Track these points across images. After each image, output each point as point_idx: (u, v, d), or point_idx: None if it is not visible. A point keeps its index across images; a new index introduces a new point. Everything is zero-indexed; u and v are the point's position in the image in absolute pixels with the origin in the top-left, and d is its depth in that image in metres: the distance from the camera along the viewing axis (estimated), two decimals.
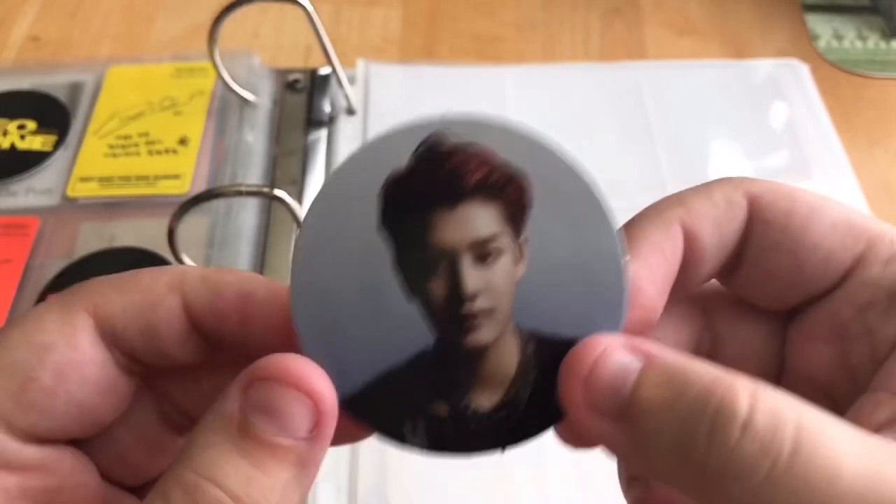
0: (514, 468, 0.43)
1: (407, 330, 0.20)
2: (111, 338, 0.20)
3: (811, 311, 0.22)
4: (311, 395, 0.18)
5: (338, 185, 0.20)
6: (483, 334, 0.20)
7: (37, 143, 0.56)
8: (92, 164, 0.55)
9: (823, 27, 0.67)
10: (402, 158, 0.20)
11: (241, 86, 0.57)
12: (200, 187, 0.54)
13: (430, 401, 0.20)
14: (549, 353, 0.20)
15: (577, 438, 0.21)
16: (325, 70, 0.61)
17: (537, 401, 0.20)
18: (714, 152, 0.58)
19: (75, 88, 0.60)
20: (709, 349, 0.23)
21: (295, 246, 0.20)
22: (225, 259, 0.50)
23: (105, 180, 0.54)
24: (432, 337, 0.20)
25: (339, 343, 0.20)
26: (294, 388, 0.17)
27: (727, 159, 0.57)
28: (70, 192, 0.54)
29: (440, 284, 0.20)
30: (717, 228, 0.21)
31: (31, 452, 0.19)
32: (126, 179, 0.54)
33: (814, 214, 0.21)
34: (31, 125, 0.57)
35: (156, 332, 0.20)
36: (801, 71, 0.63)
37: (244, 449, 0.17)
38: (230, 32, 0.57)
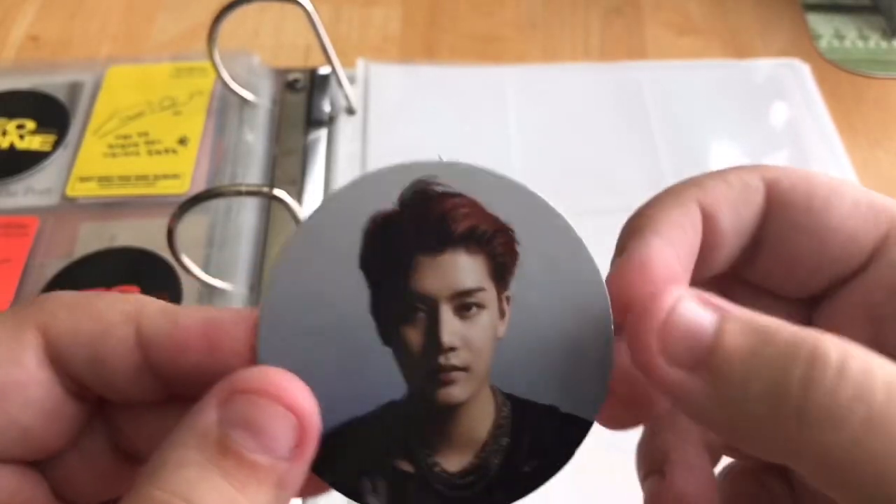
0: None
1: (377, 377, 0.19)
2: (58, 360, 0.18)
3: (839, 295, 0.21)
4: (295, 410, 0.17)
5: (321, 219, 0.19)
6: (457, 391, 0.19)
7: (36, 142, 0.56)
8: (91, 163, 0.55)
9: (824, 27, 0.67)
10: (388, 198, 0.19)
11: (240, 85, 0.57)
12: (200, 187, 0.54)
13: (394, 456, 0.19)
14: (524, 419, 0.19)
15: (621, 417, 0.20)
16: (324, 70, 0.61)
17: (508, 469, 0.19)
18: (715, 152, 0.58)
19: (75, 88, 0.60)
20: None
21: (268, 276, 0.19)
22: (225, 259, 0.50)
23: (104, 180, 0.54)
24: (403, 388, 0.19)
25: (304, 382, 0.18)
26: (278, 402, 0.16)
27: (728, 159, 0.57)
28: (69, 192, 0.53)
29: (417, 333, 0.19)
30: (734, 210, 0.20)
31: None
32: (125, 179, 0.54)
33: (834, 195, 0.20)
34: (30, 125, 0.57)
35: (104, 364, 0.18)
36: (801, 71, 0.62)
37: (223, 468, 0.16)
38: (230, 32, 0.57)
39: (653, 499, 0.22)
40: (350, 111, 0.59)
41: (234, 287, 0.48)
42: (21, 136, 0.57)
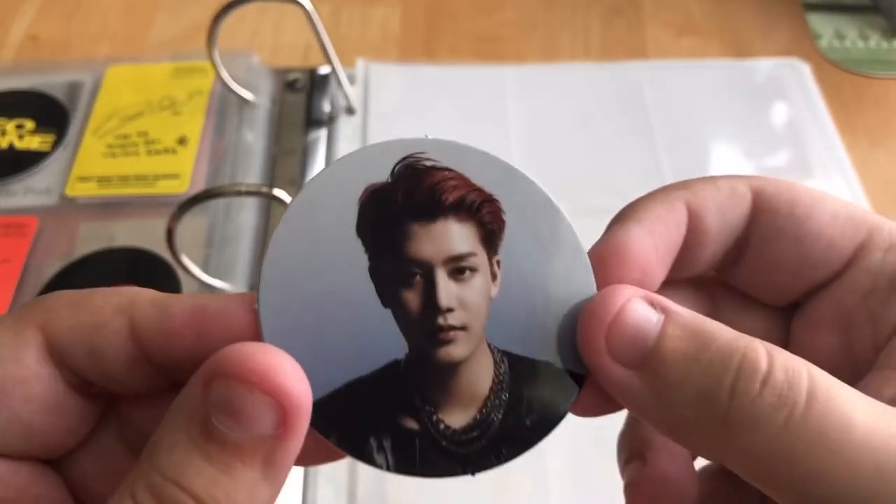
0: (514, 468, 0.43)
1: (378, 339, 0.19)
2: (59, 356, 0.19)
3: (815, 301, 0.22)
4: (275, 393, 0.17)
5: (317, 191, 0.20)
6: (456, 349, 0.20)
7: (35, 142, 0.56)
8: (91, 163, 0.55)
9: (825, 27, 0.67)
10: (381, 172, 0.20)
11: (240, 85, 0.57)
12: (199, 187, 0.54)
13: (399, 414, 0.19)
14: (522, 374, 0.20)
15: (591, 404, 0.20)
16: (324, 69, 0.60)
17: (510, 423, 0.20)
18: (715, 152, 0.58)
19: (74, 88, 0.60)
20: None
21: (268, 244, 0.20)
22: (224, 259, 0.50)
23: (104, 180, 0.54)
24: (404, 348, 0.19)
25: (306, 346, 0.19)
26: (254, 386, 0.16)
27: (728, 159, 0.57)
28: (69, 192, 0.53)
29: (415, 296, 0.20)
30: (720, 212, 0.21)
31: None
32: (125, 179, 0.54)
33: (816, 204, 0.21)
34: (29, 125, 0.57)
35: (100, 355, 0.19)
36: (802, 70, 0.62)
37: (207, 452, 0.16)
38: (229, 32, 0.57)
39: (634, 483, 0.23)
40: (350, 111, 0.59)
41: (233, 287, 0.48)
42: (20, 136, 0.57)
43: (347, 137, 0.57)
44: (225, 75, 0.56)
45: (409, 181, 0.20)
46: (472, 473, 0.20)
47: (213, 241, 0.51)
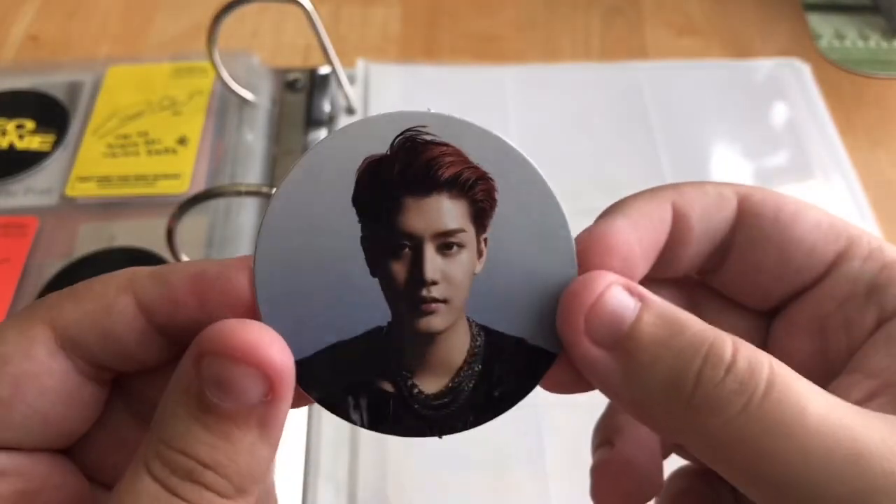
0: (514, 468, 0.43)
1: (364, 305, 0.20)
2: (71, 347, 0.20)
3: (794, 305, 0.23)
4: (259, 365, 0.18)
5: (317, 158, 0.20)
6: (436, 321, 0.21)
7: (35, 142, 0.56)
8: (91, 163, 0.55)
9: (825, 27, 0.67)
10: (380, 143, 0.20)
11: (240, 85, 0.57)
12: (199, 187, 0.54)
13: (377, 377, 0.21)
14: (496, 348, 0.21)
15: (562, 381, 0.21)
16: (324, 70, 0.60)
17: (480, 393, 0.21)
18: (715, 152, 0.58)
19: (74, 88, 0.60)
20: None
21: (266, 209, 0.20)
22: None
23: (104, 180, 0.54)
24: (388, 315, 0.21)
25: (296, 308, 0.20)
26: (241, 361, 0.18)
27: (728, 159, 0.57)
28: (69, 192, 0.53)
29: (402, 267, 0.21)
30: (705, 214, 0.22)
31: (4, 459, 0.20)
32: (125, 179, 0.54)
33: (800, 212, 0.22)
34: (29, 125, 0.57)
35: (113, 335, 0.20)
36: (802, 70, 0.62)
37: (205, 423, 0.18)
38: (229, 32, 0.57)
39: (602, 464, 0.25)
40: (350, 111, 0.59)
41: None
42: (20, 136, 0.57)
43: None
44: (225, 75, 0.56)
45: (407, 154, 0.20)
46: (440, 436, 0.21)
47: (213, 241, 0.51)
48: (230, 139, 0.56)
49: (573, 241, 0.21)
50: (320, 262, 0.20)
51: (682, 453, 0.27)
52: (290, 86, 0.60)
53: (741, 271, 0.23)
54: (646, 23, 0.68)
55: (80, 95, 0.59)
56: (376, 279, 0.21)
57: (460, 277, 0.21)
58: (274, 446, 0.19)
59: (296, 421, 0.44)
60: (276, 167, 0.56)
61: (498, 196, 0.20)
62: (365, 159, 0.20)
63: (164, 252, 0.47)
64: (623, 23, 0.68)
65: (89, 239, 0.51)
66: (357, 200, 0.20)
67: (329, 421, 0.44)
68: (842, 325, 0.22)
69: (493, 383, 0.21)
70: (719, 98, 0.61)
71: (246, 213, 0.52)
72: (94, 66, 0.61)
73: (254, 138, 0.56)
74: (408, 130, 0.20)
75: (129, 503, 0.18)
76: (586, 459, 0.27)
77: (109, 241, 0.51)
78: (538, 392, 0.22)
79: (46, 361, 0.20)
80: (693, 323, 0.19)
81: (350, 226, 0.20)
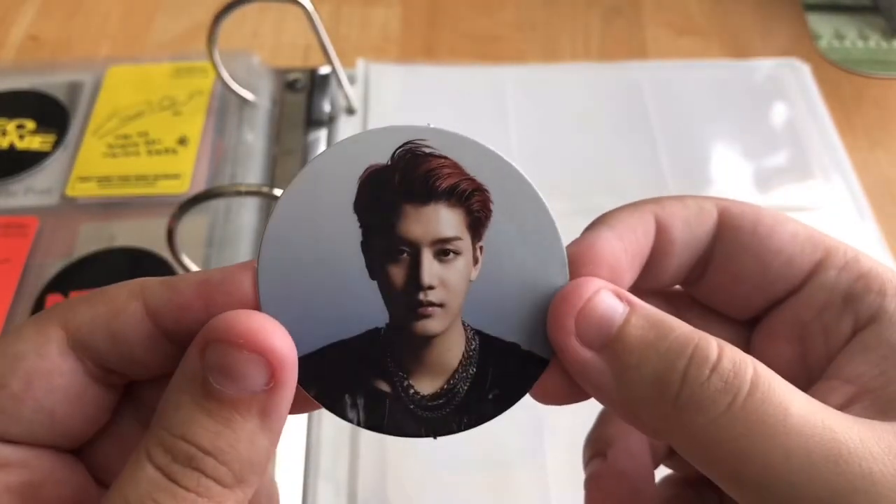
0: (514, 468, 0.43)
1: (363, 307, 0.21)
2: (81, 348, 0.20)
3: (774, 314, 0.24)
4: (262, 351, 0.18)
5: (321, 166, 0.21)
6: (433, 324, 0.21)
7: (36, 142, 0.56)
8: (91, 163, 0.55)
9: (824, 27, 0.67)
10: (382, 154, 0.21)
11: (240, 85, 0.57)
12: (200, 187, 0.54)
13: (374, 377, 0.21)
14: (490, 352, 0.21)
15: (553, 391, 0.22)
16: (324, 70, 0.61)
17: (474, 395, 0.22)
18: (715, 152, 0.58)
19: (74, 88, 0.60)
20: None
21: (270, 214, 0.21)
22: (224, 259, 0.50)
23: (104, 180, 0.54)
24: (386, 318, 0.21)
25: (297, 308, 0.21)
26: (244, 348, 0.18)
27: (728, 159, 0.57)
28: (69, 192, 0.53)
29: (400, 271, 0.21)
30: (687, 226, 0.23)
31: (9, 451, 0.20)
32: (125, 179, 0.54)
33: (777, 224, 0.23)
34: (29, 125, 0.57)
35: (122, 339, 0.20)
36: (802, 70, 0.62)
37: (208, 409, 0.18)
38: (229, 32, 0.57)
39: (594, 477, 0.25)
40: (350, 111, 0.59)
41: None
42: (21, 136, 0.57)
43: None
44: (225, 75, 0.56)
45: (408, 165, 0.21)
46: (434, 436, 0.22)
47: (214, 241, 0.51)
48: (230, 139, 0.56)
49: (565, 251, 0.21)
50: (321, 265, 0.21)
51: (670, 463, 0.28)
52: (291, 86, 0.60)
53: (722, 282, 0.24)
54: (646, 23, 0.68)
55: (81, 95, 0.59)
56: (375, 283, 0.21)
57: (456, 283, 0.21)
58: (274, 438, 0.19)
59: (296, 421, 0.44)
60: (276, 167, 0.56)
61: (493, 207, 0.21)
62: (367, 168, 0.21)
63: (164, 252, 0.47)
64: (623, 23, 0.68)
65: (89, 239, 0.51)
66: (358, 207, 0.21)
67: (329, 421, 0.44)
68: (820, 333, 0.23)
69: (487, 386, 0.21)
70: (719, 98, 0.61)
71: (246, 213, 0.52)
72: (94, 66, 0.61)
73: (254, 138, 0.56)
74: (408, 143, 0.21)
75: (129, 490, 0.18)
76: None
77: (109, 241, 0.51)
78: None
79: (57, 360, 0.20)
80: (679, 325, 0.20)
81: (351, 231, 0.21)
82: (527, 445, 0.43)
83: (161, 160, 0.55)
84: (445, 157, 0.21)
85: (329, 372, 0.21)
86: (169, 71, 0.60)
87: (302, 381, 0.20)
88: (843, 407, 0.20)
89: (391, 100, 0.60)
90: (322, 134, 0.58)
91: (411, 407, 0.21)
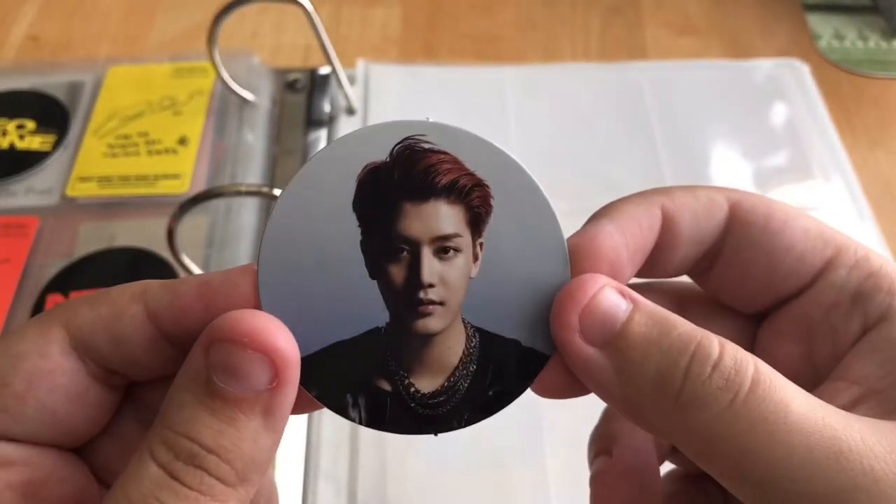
0: (514, 468, 0.43)
1: (363, 307, 0.21)
2: (83, 349, 0.21)
3: (782, 311, 0.24)
4: (266, 351, 0.19)
5: (319, 165, 0.21)
6: (433, 322, 0.21)
7: (36, 142, 0.56)
8: (91, 163, 0.55)
9: (824, 27, 0.67)
10: (381, 151, 0.21)
11: (240, 85, 0.57)
12: (200, 187, 0.54)
13: (375, 376, 0.21)
14: (491, 349, 0.21)
15: (554, 385, 0.22)
16: (324, 70, 0.61)
17: (474, 392, 0.22)
18: (714, 152, 0.58)
19: (75, 88, 0.60)
20: None
21: (269, 215, 0.21)
22: (224, 259, 0.50)
23: (104, 180, 0.54)
24: (386, 317, 0.21)
25: (298, 309, 0.21)
26: (248, 347, 0.18)
27: (727, 159, 0.57)
28: (69, 192, 0.53)
29: (400, 270, 0.21)
30: (695, 219, 0.23)
31: (13, 450, 0.20)
32: (125, 179, 0.54)
33: (790, 220, 0.23)
34: (30, 125, 0.57)
35: (123, 340, 0.21)
36: (801, 71, 0.63)
37: (211, 407, 0.18)
38: (230, 32, 0.57)
39: (600, 475, 0.25)
40: (350, 111, 0.59)
41: None
42: (21, 136, 0.57)
43: None
44: (225, 75, 0.56)
45: (407, 162, 0.21)
46: (435, 433, 0.22)
47: (214, 241, 0.51)
48: (230, 139, 0.56)
49: (566, 247, 0.21)
50: (321, 265, 0.21)
51: (674, 459, 0.28)
52: (291, 86, 0.60)
53: (730, 276, 0.24)
54: (645, 23, 0.68)
55: (81, 95, 0.59)
56: (375, 282, 0.21)
57: (456, 280, 0.21)
58: (277, 437, 0.19)
59: (296, 421, 0.44)
60: (276, 167, 0.56)
61: (493, 202, 0.21)
62: (365, 166, 0.21)
63: (164, 252, 0.47)
64: (623, 23, 0.68)
65: (90, 239, 0.51)
66: (357, 206, 0.21)
67: (329, 421, 0.44)
68: (828, 332, 0.22)
69: (487, 383, 0.21)
70: (719, 98, 0.61)
71: (246, 213, 0.52)
72: (94, 66, 0.61)
73: (254, 138, 0.56)
74: (407, 139, 0.21)
75: (132, 488, 0.18)
76: (586, 461, 0.27)
77: (110, 241, 0.51)
78: None
79: (59, 360, 0.20)
80: (682, 323, 0.20)
81: (350, 230, 0.21)
82: (527, 445, 0.43)
83: (161, 160, 0.55)
84: (445, 153, 0.21)
85: (330, 372, 0.21)
86: (169, 71, 0.61)
87: (303, 381, 0.20)
88: (849, 407, 0.20)
89: (391, 100, 0.60)
90: (322, 134, 0.58)
91: (412, 405, 0.21)
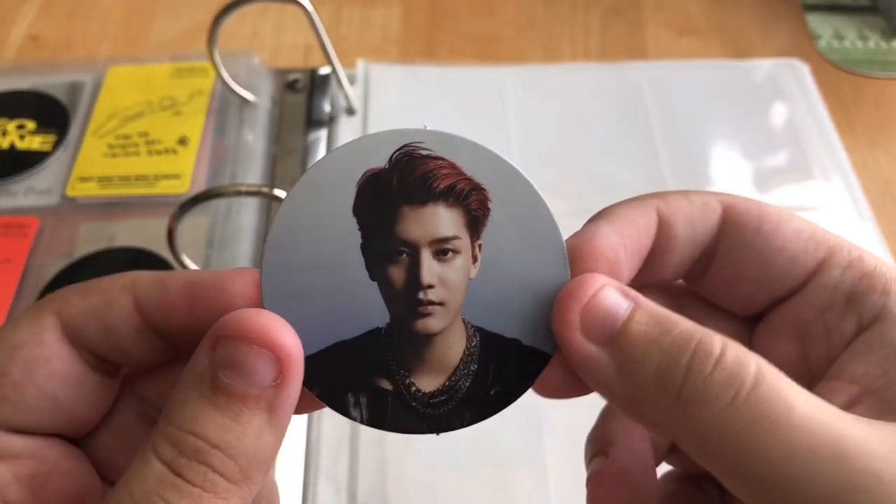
0: (514, 468, 0.43)
1: (364, 308, 0.21)
2: (75, 337, 0.21)
3: (776, 312, 0.24)
4: (271, 347, 0.19)
5: (320, 172, 0.22)
6: (433, 322, 0.22)
7: (36, 142, 0.56)
8: (91, 163, 0.55)
9: (824, 27, 0.67)
10: (380, 157, 0.22)
11: (240, 86, 0.57)
12: (200, 187, 0.54)
13: (376, 375, 0.22)
14: (492, 349, 0.22)
15: (555, 385, 0.22)
16: (324, 70, 0.61)
17: (476, 392, 0.22)
18: (714, 152, 0.58)
19: (75, 88, 0.60)
20: None
21: (272, 219, 0.21)
22: (224, 259, 0.50)
23: (104, 180, 0.54)
24: (386, 317, 0.22)
25: (300, 310, 0.21)
26: (254, 343, 0.19)
27: (727, 159, 0.57)
28: (69, 192, 0.54)
29: (400, 272, 0.22)
30: (689, 222, 0.23)
31: (18, 442, 0.21)
32: (125, 179, 0.54)
33: (782, 222, 0.23)
34: (30, 125, 0.57)
35: (112, 330, 0.21)
36: (801, 71, 0.63)
37: (216, 403, 0.19)
38: (230, 32, 0.57)
39: (597, 475, 0.25)
40: (350, 111, 0.59)
41: None
42: (21, 136, 0.57)
43: (347, 138, 0.57)
44: (225, 76, 0.56)
45: (405, 168, 0.21)
46: (437, 433, 0.22)
47: (214, 241, 0.51)
48: (230, 139, 0.56)
49: (565, 247, 0.22)
50: (322, 267, 0.21)
51: (671, 460, 0.28)
52: (291, 86, 0.60)
53: (725, 278, 0.24)
54: (645, 23, 0.68)
55: (81, 95, 0.59)
56: (375, 284, 0.22)
57: (456, 281, 0.22)
58: (280, 435, 0.20)
59: (296, 421, 0.44)
60: (276, 167, 0.56)
61: (491, 205, 0.21)
62: (365, 173, 0.21)
63: (164, 252, 0.47)
64: (623, 23, 0.68)
65: (90, 239, 0.51)
66: (357, 210, 0.21)
67: (329, 421, 0.44)
68: (822, 333, 0.23)
69: (488, 383, 0.22)
70: (719, 98, 0.61)
71: (246, 213, 0.52)
72: (94, 66, 0.61)
73: (254, 138, 0.56)
74: (405, 146, 0.21)
75: (135, 486, 0.18)
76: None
77: (110, 241, 0.51)
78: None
79: (55, 346, 0.21)
80: (682, 321, 0.20)
81: (351, 234, 0.21)
82: (527, 445, 0.43)
83: (161, 160, 0.55)
84: (443, 159, 0.21)
85: (332, 372, 0.21)
86: (169, 71, 0.61)
87: (305, 380, 0.20)
88: (845, 407, 0.20)
89: (391, 100, 0.60)
90: (322, 134, 0.58)
91: (413, 404, 0.22)
